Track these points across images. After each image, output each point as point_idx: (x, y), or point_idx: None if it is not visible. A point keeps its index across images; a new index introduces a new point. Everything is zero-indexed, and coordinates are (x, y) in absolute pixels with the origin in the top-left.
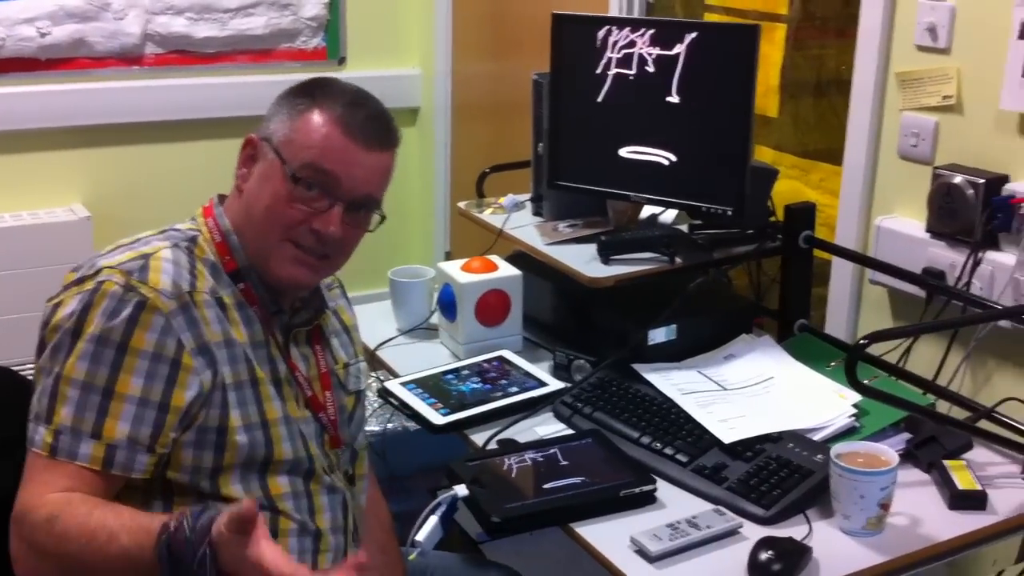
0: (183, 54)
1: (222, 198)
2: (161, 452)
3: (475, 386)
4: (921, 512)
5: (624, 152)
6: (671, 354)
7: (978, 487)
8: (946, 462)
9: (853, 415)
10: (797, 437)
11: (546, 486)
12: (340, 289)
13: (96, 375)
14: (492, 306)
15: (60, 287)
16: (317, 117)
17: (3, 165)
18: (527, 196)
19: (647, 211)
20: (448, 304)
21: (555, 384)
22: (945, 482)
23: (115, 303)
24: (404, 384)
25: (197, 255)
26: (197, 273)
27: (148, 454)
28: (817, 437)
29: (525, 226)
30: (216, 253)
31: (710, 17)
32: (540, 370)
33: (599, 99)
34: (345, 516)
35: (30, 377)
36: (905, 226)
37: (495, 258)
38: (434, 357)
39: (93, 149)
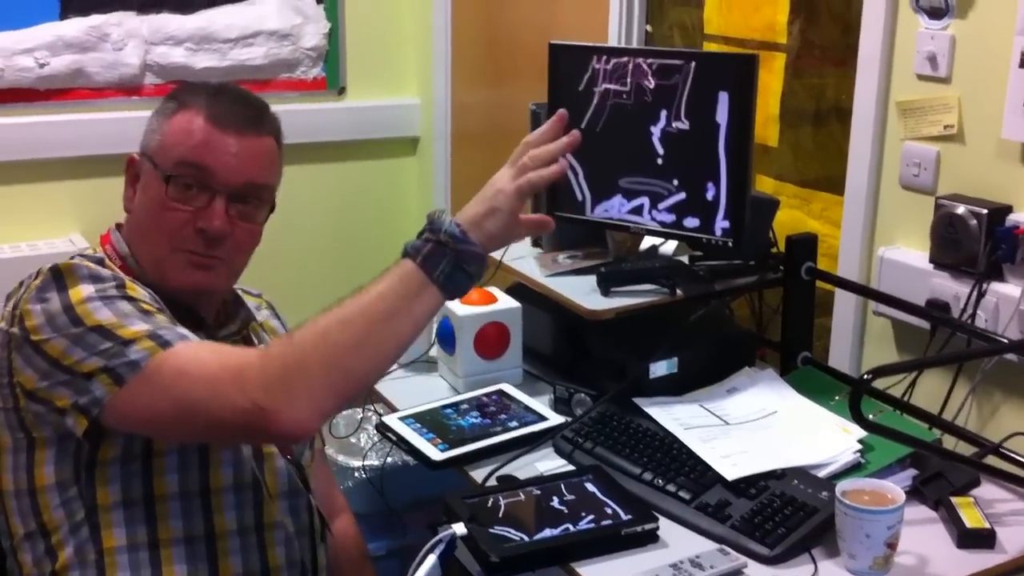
0: None
1: (120, 226)
2: None
3: (474, 421)
4: (928, 551)
5: (623, 182)
6: (672, 387)
7: (986, 525)
8: (953, 499)
9: (858, 451)
10: (801, 473)
11: (546, 524)
12: (270, 310)
13: (122, 310)
14: (491, 339)
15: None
16: (183, 115)
17: (1, 196)
18: None
19: (647, 242)
20: (447, 337)
21: (555, 419)
22: (953, 520)
23: (89, 269)
24: (402, 419)
25: None
26: None
27: None
28: (822, 473)
29: (524, 257)
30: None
31: (709, 46)
32: (540, 404)
33: (597, 129)
34: (310, 518)
35: None
36: (908, 257)
37: (494, 290)
38: (433, 390)
39: (92, 180)
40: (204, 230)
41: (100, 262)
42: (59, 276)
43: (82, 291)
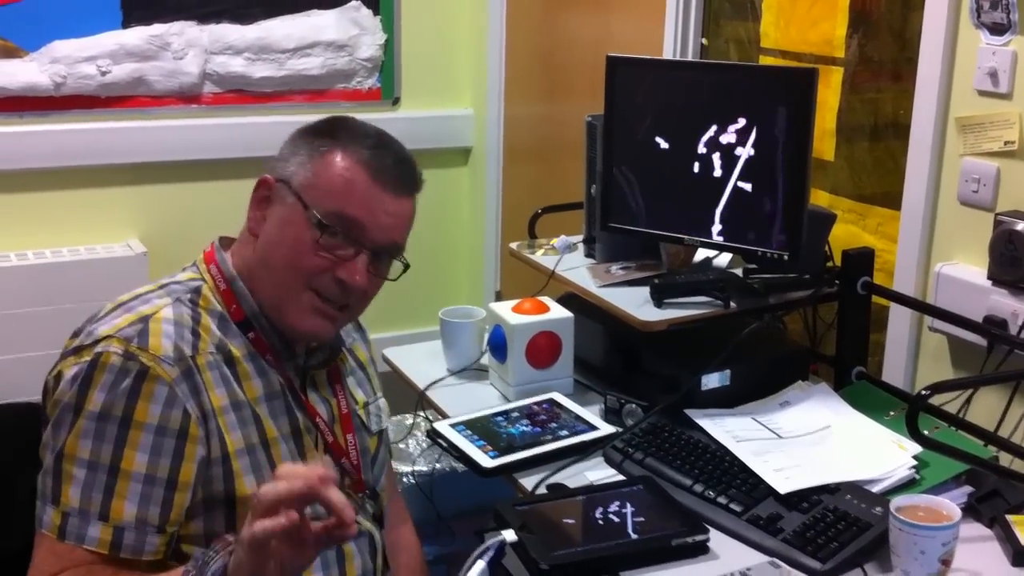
0: (240, 93)
1: (224, 241)
2: (172, 531)
3: (524, 429)
4: (983, 569)
5: (678, 194)
6: (725, 400)
7: None
8: (1009, 517)
9: (913, 467)
10: (855, 488)
11: (596, 533)
12: (359, 330)
13: (100, 453)
14: (543, 348)
15: (60, 354)
16: (341, 160)
17: (62, 200)
18: (579, 237)
19: (701, 254)
20: (498, 345)
21: (606, 428)
22: (1008, 538)
23: (114, 375)
24: (453, 425)
25: (202, 307)
26: (201, 330)
27: (159, 534)
28: (876, 489)
29: (577, 268)
30: (222, 302)
31: (765, 60)
32: (591, 414)
33: (653, 141)
34: (374, 558)
35: None
36: (966, 273)
37: (546, 299)
38: (484, 398)
39: (150, 186)
40: (345, 283)
41: (196, 291)
42: (90, 368)
43: (91, 402)
